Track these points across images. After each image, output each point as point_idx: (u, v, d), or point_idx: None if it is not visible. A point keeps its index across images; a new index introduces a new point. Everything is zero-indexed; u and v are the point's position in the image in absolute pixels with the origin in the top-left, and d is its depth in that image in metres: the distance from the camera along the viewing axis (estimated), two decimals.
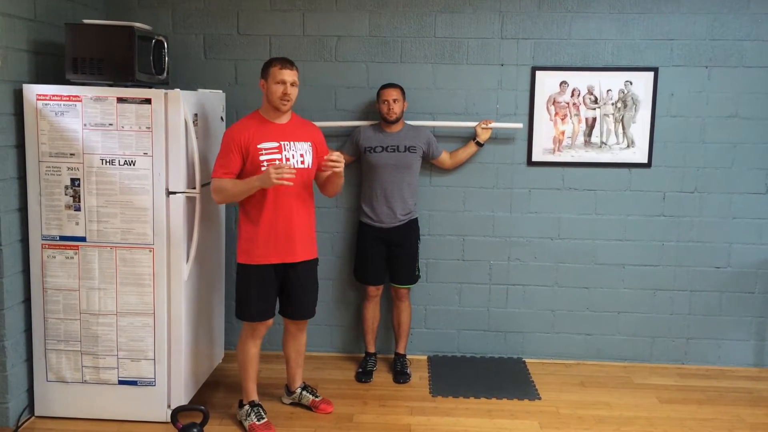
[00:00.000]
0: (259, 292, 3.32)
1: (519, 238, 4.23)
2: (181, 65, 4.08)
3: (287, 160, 3.24)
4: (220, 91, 3.97)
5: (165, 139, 3.25)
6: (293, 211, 3.27)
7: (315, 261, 3.46)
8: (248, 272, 3.32)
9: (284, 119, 3.33)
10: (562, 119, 4.12)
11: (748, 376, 4.16)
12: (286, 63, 3.26)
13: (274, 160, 3.21)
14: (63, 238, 3.32)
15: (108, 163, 3.27)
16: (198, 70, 4.13)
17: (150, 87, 3.38)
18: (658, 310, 4.25)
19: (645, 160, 4.13)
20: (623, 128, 4.12)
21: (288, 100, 3.24)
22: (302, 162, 3.28)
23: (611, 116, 4.11)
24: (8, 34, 3.16)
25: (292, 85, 3.24)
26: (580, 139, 4.14)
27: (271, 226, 3.25)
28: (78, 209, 3.30)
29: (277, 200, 3.23)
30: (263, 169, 3.18)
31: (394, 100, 3.83)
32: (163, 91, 3.24)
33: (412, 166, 3.93)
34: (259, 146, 3.22)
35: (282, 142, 3.26)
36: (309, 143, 3.33)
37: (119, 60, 3.29)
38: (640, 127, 4.11)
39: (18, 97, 3.25)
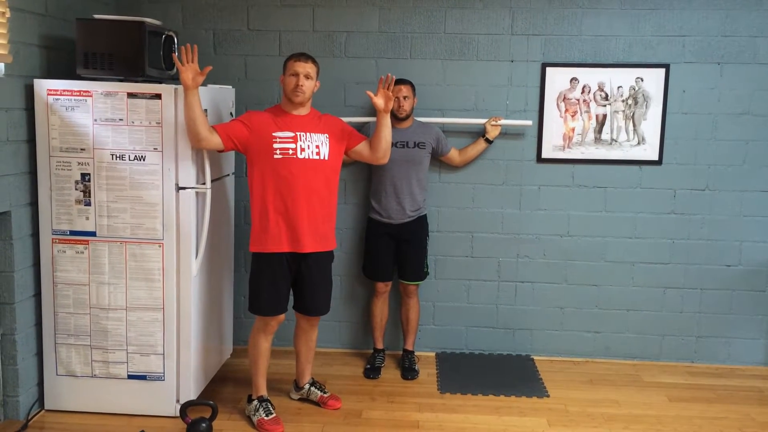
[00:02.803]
0: (270, 283, 3.31)
1: (528, 235, 4.22)
2: None
3: (302, 150, 3.25)
4: (230, 87, 3.97)
5: (175, 135, 3.25)
6: (303, 200, 3.25)
7: (328, 256, 3.46)
8: (260, 261, 3.33)
9: (303, 112, 3.34)
10: (573, 116, 4.10)
11: (758, 375, 4.14)
12: (301, 56, 3.29)
13: (288, 149, 3.22)
14: (73, 232, 3.33)
15: (118, 159, 3.27)
16: (208, 66, 4.12)
17: (160, 82, 3.39)
18: (668, 308, 4.24)
19: (656, 158, 4.11)
20: (634, 125, 4.10)
21: (301, 92, 3.25)
22: (318, 153, 3.29)
23: (622, 113, 4.09)
24: (20, 29, 3.17)
25: (306, 77, 3.26)
26: (591, 136, 4.12)
27: (280, 214, 3.25)
28: (88, 204, 3.31)
29: (288, 188, 3.23)
30: (276, 156, 3.21)
31: (405, 97, 3.82)
32: (173, 86, 3.24)
33: (422, 162, 3.92)
34: (273, 134, 3.24)
35: (298, 133, 3.27)
36: (326, 135, 3.33)
37: (129, 55, 3.29)
38: (651, 124, 4.08)
39: (29, 92, 3.27)
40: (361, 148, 3.47)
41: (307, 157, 3.26)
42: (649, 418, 3.56)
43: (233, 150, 3.32)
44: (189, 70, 3.11)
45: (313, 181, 3.28)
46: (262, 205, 3.28)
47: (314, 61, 3.32)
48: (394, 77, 3.39)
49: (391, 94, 3.38)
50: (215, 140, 3.22)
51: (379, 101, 3.38)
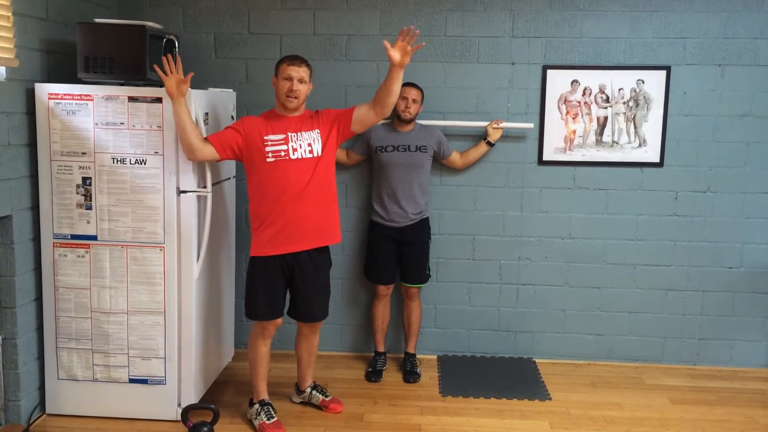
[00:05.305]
0: (265, 288, 3.30)
1: (529, 237, 4.21)
2: (191, 64, 4.07)
3: (294, 150, 3.22)
4: (231, 90, 3.98)
5: (176, 138, 3.25)
6: (301, 200, 3.23)
7: (326, 260, 3.43)
8: (255, 266, 3.32)
9: (295, 114, 3.32)
10: (574, 118, 4.10)
11: (760, 377, 4.13)
12: (295, 60, 3.25)
13: (280, 151, 3.21)
14: (74, 236, 3.33)
15: (119, 162, 3.27)
16: (209, 69, 4.13)
17: (161, 86, 3.37)
18: (670, 311, 4.23)
19: (657, 160, 4.10)
20: (635, 127, 4.09)
21: (294, 97, 3.23)
22: (311, 151, 3.26)
23: (623, 115, 4.09)
24: (21, 33, 3.18)
25: (300, 81, 3.22)
26: (592, 138, 4.11)
27: (277, 217, 3.23)
28: (89, 208, 3.31)
29: (283, 190, 3.21)
30: (269, 160, 3.20)
31: (413, 100, 3.82)
32: None
33: (424, 166, 3.92)
34: (265, 137, 3.22)
35: (288, 134, 3.25)
36: (316, 130, 3.30)
37: (130, 59, 3.30)
38: (652, 126, 4.08)
39: (30, 96, 3.27)
40: (361, 115, 3.31)
41: (300, 156, 3.24)
42: (651, 421, 3.55)
43: (231, 159, 3.30)
44: (171, 79, 3.09)
45: (310, 180, 3.25)
46: (258, 210, 3.27)
47: (307, 64, 3.29)
48: (417, 31, 3.14)
49: (409, 48, 3.14)
50: (209, 150, 3.20)
51: (395, 54, 3.15)
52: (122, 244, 3.33)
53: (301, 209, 3.24)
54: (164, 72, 3.10)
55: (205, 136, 3.31)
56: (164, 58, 3.10)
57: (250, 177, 3.28)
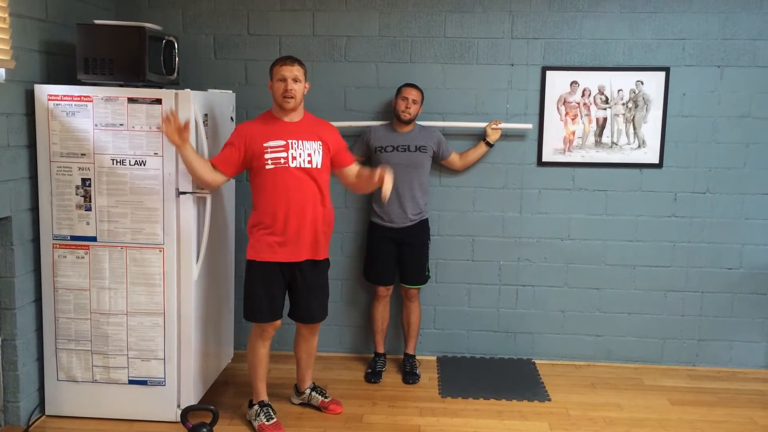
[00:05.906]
0: (264, 290, 3.30)
1: (529, 238, 4.21)
2: (191, 65, 4.09)
3: (293, 159, 3.21)
4: (230, 92, 3.98)
5: None
6: (298, 210, 3.22)
7: (324, 263, 3.44)
8: (253, 269, 3.32)
9: (295, 118, 3.30)
10: (573, 119, 4.10)
11: (760, 378, 4.13)
12: (287, 59, 3.24)
13: (279, 158, 3.20)
14: (74, 237, 3.33)
15: (118, 163, 3.28)
16: (208, 71, 4.14)
17: (160, 87, 3.39)
18: (670, 312, 4.23)
19: (656, 161, 4.10)
20: (634, 128, 4.10)
21: (291, 97, 3.20)
22: (309, 162, 3.25)
23: (622, 116, 4.09)
24: (20, 34, 3.18)
25: (295, 81, 3.20)
26: (591, 139, 4.12)
27: (274, 223, 3.23)
28: (89, 209, 3.31)
29: (281, 198, 3.20)
30: (268, 167, 3.19)
31: (413, 101, 3.82)
32: (174, 91, 3.24)
33: (423, 166, 3.92)
34: (264, 144, 3.20)
35: (289, 141, 3.23)
36: (319, 142, 3.28)
37: (130, 60, 3.30)
38: (651, 127, 4.08)
39: (29, 98, 3.27)
40: (347, 173, 3.43)
41: (299, 165, 3.22)
42: (650, 422, 3.55)
43: (240, 172, 3.32)
44: (173, 133, 3.05)
45: (307, 190, 3.23)
46: (259, 216, 3.27)
47: (301, 63, 3.27)
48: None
49: (387, 179, 3.20)
50: (220, 177, 3.22)
51: (384, 186, 3.20)
52: (122, 245, 3.33)
53: (298, 217, 3.23)
54: (165, 131, 3.07)
55: (205, 138, 3.32)
56: (163, 117, 3.10)
57: (252, 182, 3.29)
